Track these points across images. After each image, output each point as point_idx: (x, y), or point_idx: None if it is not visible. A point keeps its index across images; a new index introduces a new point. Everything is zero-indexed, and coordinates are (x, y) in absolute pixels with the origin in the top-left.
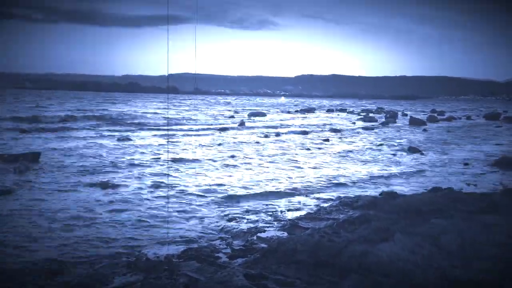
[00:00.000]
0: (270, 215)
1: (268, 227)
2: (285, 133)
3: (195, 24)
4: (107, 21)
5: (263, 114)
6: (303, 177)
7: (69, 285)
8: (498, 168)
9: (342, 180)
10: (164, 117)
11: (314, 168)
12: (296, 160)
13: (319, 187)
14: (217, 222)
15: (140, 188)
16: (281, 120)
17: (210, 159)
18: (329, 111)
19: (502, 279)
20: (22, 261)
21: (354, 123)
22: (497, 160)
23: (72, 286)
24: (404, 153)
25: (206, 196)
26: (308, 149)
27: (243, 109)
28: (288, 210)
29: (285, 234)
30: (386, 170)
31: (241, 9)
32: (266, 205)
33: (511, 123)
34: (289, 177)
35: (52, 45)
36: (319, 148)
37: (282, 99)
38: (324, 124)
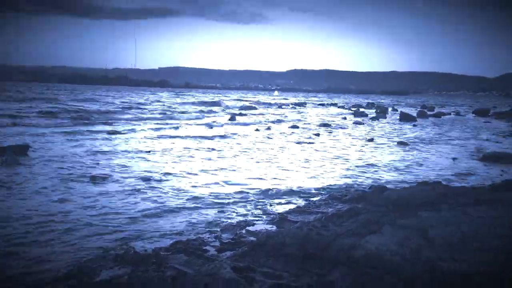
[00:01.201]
0: (259, 209)
1: (257, 220)
2: (276, 128)
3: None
4: (97, 13)
5: (254, 108)
6: (292, 176)
7: (55, 278)
8: (486, 162)
9: (330, 175)
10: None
11: (306, 162)
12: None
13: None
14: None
15: (131, 181)
16: (272, 114)
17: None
18: (320, 105)
19: (489, 272)
20: (8, 254)
21: (344, 118)
22: (485, 154)
23: (58, 279)
24: (393, 147)
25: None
26: (299, 143)
27: (233, 102)
28: (278, 204)
29: (274, 227)
30: (375, 163)
31: (232, 3)
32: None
33: (500, 119)
34: (279, 172)
35: (41, 37)
36: (310, 143)
37: (276, 93)
38: (315, 119)
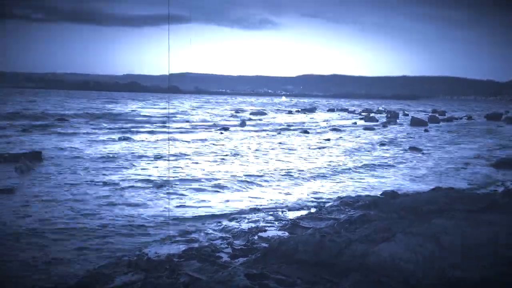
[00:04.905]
0: (271, 215)
1: (269, 226)
2: (286, 132)
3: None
4: (108, 20)
5: (264, 114)
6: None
7: (70, 284)
8: (499, 168)
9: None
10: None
11: (317, 167)
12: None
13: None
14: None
15: (142, 187)
16: (282, 119)
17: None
18: (330, 110)
19: (502, 279)
20: (21, 259)
21: (355, 123)
22: (498, 160)
23: (73, 285)
24: (405, 153)
25: None
26: (309, 148)
27: (244, 108)
28: (289, 210)
29: (286, 233)
30: (387, 169)
31: (241, 9)
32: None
33: None
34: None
35: (53, 44)
36: (320, 148)
37: (283, 99)
38: (325, 124)
